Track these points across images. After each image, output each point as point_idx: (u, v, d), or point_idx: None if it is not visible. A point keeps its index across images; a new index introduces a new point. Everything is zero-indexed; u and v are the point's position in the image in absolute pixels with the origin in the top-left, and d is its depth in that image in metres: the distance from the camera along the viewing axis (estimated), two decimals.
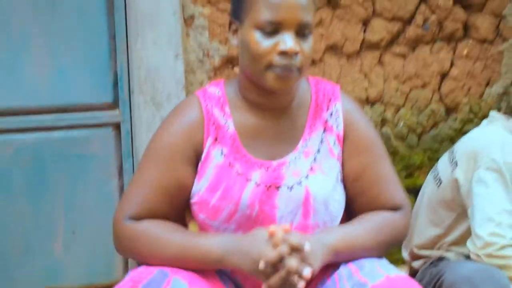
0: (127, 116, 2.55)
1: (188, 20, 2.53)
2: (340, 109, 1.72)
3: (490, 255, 2.02)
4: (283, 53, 1.54)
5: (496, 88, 3.00)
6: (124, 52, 2.51)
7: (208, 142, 1.65)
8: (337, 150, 1.72)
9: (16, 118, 2.43)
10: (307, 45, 1.58)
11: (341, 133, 1.70)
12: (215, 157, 1.64)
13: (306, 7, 1.56)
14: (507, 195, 2.08)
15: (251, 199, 1.61)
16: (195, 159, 1.66)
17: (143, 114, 2.48)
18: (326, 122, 1.71)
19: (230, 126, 1.66)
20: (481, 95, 2.99)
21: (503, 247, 2.02)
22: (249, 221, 1.62)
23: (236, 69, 2.60)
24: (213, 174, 1.63)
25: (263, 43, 1.55)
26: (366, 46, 2.80)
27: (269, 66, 1.56)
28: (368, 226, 1.65)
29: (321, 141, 1.70)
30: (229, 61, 2.60)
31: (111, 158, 2.56)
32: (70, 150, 2.51)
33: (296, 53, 1.55)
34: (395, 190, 1.71)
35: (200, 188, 1.64)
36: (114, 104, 2.54)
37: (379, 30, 2.80)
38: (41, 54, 2.44)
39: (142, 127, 2.48)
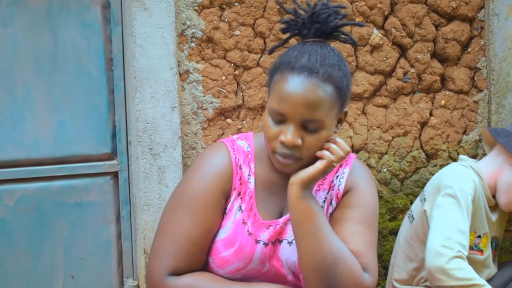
0: (124, 165, 2.55)
1: (183, 75, 2.55)
2: (346, 173, 1.71)
3: (440, 269, 2.02)
4: (283, 143, 1.53)
5: (472, 135, 3.02)
6: (123, 105, 2.53)
7: (234, 195, 1.63)
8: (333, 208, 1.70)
9: (19, 169, 2.43)
10: (313, 138, 1.54)
11: (341, 192, 1.69)
12: (235, 212, 1.63)
13: (315, 104, 1.51)
14: (461, 217, 2.12)
15: (261, 258, 1.62)
16: (225, 205, 1.63)
17: (141, 163, 2.48)
18: (331, 182, 1.71)
19: (252, 183, 1.65)
20: (459, 142, 3.01)
21: (451, 259, 2.03)
22: (258, 274, 1.63)
23: (229, 120, 2.64)
24: (231, 229, 1.62)
25: (272, 128, 1.55)
26: (351, 97, 2.72)
27: (274, 151, 1.56)
28: (340, 242, 1.56)
29: (324, 200, 1.70)
30: (222, 113, 2.62)
31: (109, 205, 2.57)
32: (70, 198, 2.51)
33: (295, 146, 1.53)
34: (367, 252, 1.61)
35: (218, 236, 1.62)
36: (113, 155, 2.55)
37: (363, 82, 2.82)
38: (43, 108, 2.45)
39: (140, 176, 2.48)
